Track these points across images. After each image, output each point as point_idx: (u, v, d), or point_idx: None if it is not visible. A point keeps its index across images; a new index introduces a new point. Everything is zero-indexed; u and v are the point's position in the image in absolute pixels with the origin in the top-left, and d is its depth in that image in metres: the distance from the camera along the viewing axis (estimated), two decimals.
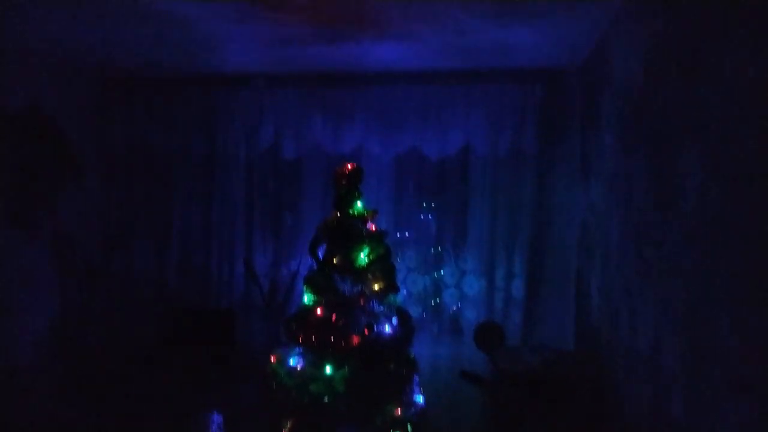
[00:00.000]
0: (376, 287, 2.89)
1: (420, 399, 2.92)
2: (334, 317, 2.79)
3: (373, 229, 3.02)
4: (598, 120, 3.09)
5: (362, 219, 2.99)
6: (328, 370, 2.73)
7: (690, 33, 1.79)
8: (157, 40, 3.27)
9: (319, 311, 2.83)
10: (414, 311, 3.62)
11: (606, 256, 2.81)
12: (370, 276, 2.88)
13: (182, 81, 3.95)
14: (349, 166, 3.05)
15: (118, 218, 4.03)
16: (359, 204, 3.00)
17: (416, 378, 2.97)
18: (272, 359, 2.88)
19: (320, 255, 2.98)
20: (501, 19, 2.88)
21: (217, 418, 2.97)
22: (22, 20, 3.00)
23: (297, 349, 2.84)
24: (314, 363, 2.77)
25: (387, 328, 2.85)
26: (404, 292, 3.50)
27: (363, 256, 2.89)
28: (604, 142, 2.92)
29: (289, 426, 2.75)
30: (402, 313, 2.95)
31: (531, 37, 3.09)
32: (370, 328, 2.80)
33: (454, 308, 3.81)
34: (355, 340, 2.76)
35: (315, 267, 3.00)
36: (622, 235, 2.50)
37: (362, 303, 2.84)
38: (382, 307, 2.88)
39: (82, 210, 3.87)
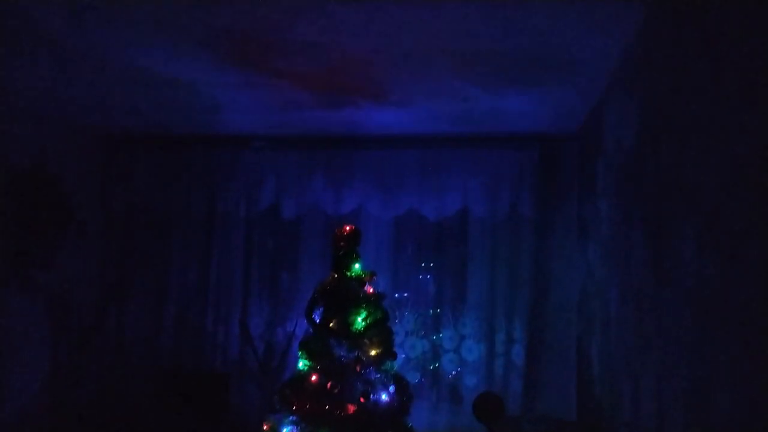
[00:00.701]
0: (373, 353, 2.84)
1: None
2: (329, 384, 2.72)
3: (371, 291, 2.99)
4: (594, 186, 3.13)
5: (360, 281, 2.98)
6: None
7: (680, 105, 1.84)
8: (162, 102, 3.36)
9: (314, 378, 2.77)
10: (412, 377, 3.53)
11: (606, 323, 2.77)
12: (367, 341, 2.84)
13: (184, 141, 4.03)
14: (348, 228, 3.06)
15: (114, 276, 4.00)
16: (357, 266, 2.99)
17: None
18: (265, 427, 2.79)
19: (317, 318, 2.94)
20: (497, 88, 2.97)
21: None
22: (30, 81, 3.08)
23: (291, 418, 2.75)
24: None
25: (384, 397, 2.78)
26: (402, 356, 3.42)
27: (360, 320, 2.86)
28: (601, 208, 2.94)
29: None
30: (399, 381, 2.88)
31: (526, 104, 3.18)
32: (367, 397, 2.72)
33: (453, 374, 3.72)
34: (351, 408, 2.69)
35: (311, 331, 2.96)
36: (622, 303, 2.47)
37: (359, 369, 2.78)
38: (378, 374, 2.81)
39: (79, 267, 3.86)
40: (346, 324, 2.85)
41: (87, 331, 3.87)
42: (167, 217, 4.00)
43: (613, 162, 2.72)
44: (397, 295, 3.80)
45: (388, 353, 2.89)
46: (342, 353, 2.81)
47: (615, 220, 2.66)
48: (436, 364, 3.74)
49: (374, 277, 3.02)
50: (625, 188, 2.46)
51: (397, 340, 3.25)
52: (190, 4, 2.20)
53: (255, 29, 2.40)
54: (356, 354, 2.81)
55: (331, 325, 2.87)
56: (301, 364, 2.86)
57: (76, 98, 3.36)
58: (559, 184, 3.69)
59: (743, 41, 1.39)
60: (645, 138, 2.21)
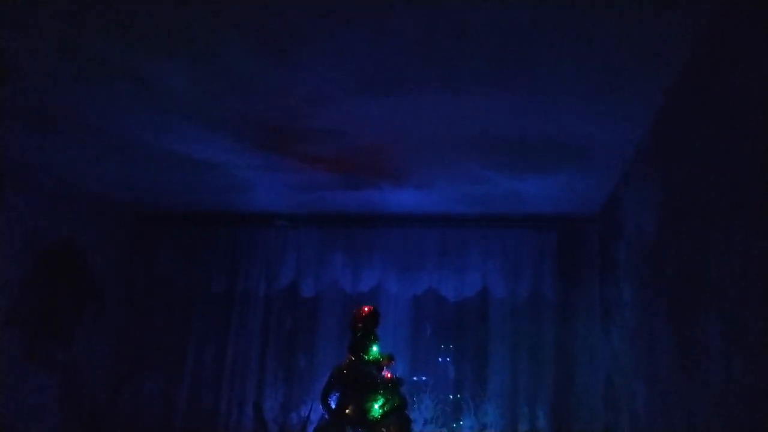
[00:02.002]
0: None
1: None
2: None
3: (389, 376, 2.92)
4: (615, 270, 3.08)
5: (377, 365, 2.91)
6: None
7: (700, 193, 1.84)
8: (190, 183, 3.49)
9: None
10: None
11: (634, 415, 2.64)
12: (384, 429, 2.73)
13: (209, 218, 4.12)
14: (366, 309, 3.03)
15: (131, 353, 3.98)
16: (375, 349, 2.94)
17: None
18: None
19: (332, 403, 2.86)
20: (515, 172, 3.03)
21: None
22: (62, 159, 3.23)
23: None
24: None
25: None
26: None
27: (377, 407, 2.77)
28: (623, 292, 2.89)
29: None
30: None
31: (545, 188, 3.22)
32: None
33: None
34: None
35: (327, 416, 2.87)
36: (649, 394, 2.37)
37: None
38: None
39: (96, 344, 3.85)
40: (363, 411, 2.76)
41: (98, 409, 3.80)
42: (188, 295, 4.03)
43: (634, 246, 2.69)
44: (415, 378, 3.70)
45: None
46: None
47: (638, 305, 2.60)
48: None
49: (393, 362, 2.95)
50: (647, 274, 2.42)
51: (416, 427, 3.13)
52: (224, 94, 2.33)
53: (282, 117, 2.53)
54: None
55: (347, 411, 2.78)
56: None
57: (107, 177, 3.51)
58: (580, 266, 3.64)
59: (764, 130, 1.41)
60: (665, 225, 2.20)
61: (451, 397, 3.68)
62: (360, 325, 2.97)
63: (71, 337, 3.69)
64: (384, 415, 2.76)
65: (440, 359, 3.81)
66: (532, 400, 3.48)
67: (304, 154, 2.89)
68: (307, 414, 3.59)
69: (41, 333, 3.48)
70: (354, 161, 2.97)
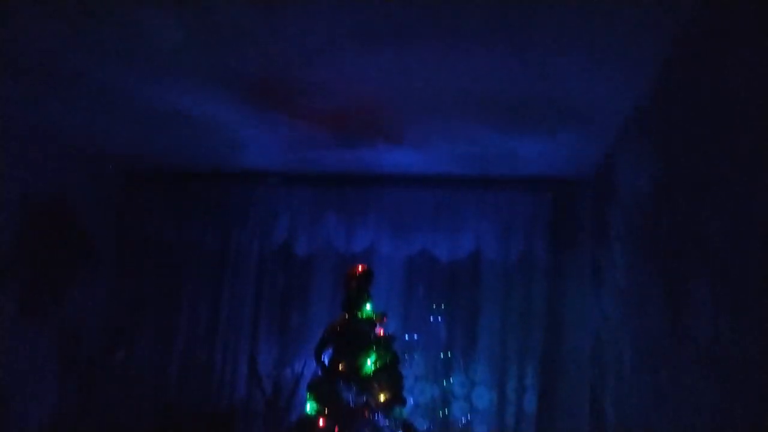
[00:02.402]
0: (382, 398, 2.78)
1: None
2: (336, 429, 2.66)
3: (382, 333, 2.96)
4: (608, 232, 3.10)
5: (370, 323, 2.95)
6: None
7: (696, 154, 1.83)
8: (181, 139, 3.44)
9: (321, 422, 2.71)
10: (420, 423, 3.44)
11: (620, 374, 2.70)
12: (376, 385, 2.79)
13: (201, 177, 4.08)
14: (360, 268, 3.05)
15: (124, 310, 4.01)
16: (368, 307, 2.97)
17: None
18: None
19: (326, 360, 2.90)
20: (511, 132, 3.00)
21: None
22: (49, 115, 3.17)
23: None
24: None
25: None
26: (411, 402, 3.35)
27: (370, 364, 2.81)
28: (615, 255, 2.91)
29: None
30: (408, 428, 2.81)
31: (540, 148, 3.20)
32: None
33: (464, 422, 3.62)
34: None
35: (319, 373, 2.91)
36: (636, 354, 2.41)
37: (367, 415, 2.71)
38: (387, 421, 2.75)
39: (90, 301, 3.87)
40: (356, 367, 2.81)
41: (94, 365, 3.85)
42: (181, 253, 4.03)
43: (628, 209, 2.70)
44: (407, 337, 3.75)
45: (397, 399, 2.83)
46: (350, 397, 2.75)
47: (630, 267, 2.62)
48: (446, 411, 3.65)
49: (385, 319, 2.99)
50: (640, 236, 2.43)
51: (407, 384, 3.19)
52: (215, 46, 2.27)
53: (275, 71, 2.47)
54: (365, 398, 2.76)
55: (340, 367, 2.83)
56: (309, 407, 2.80)
57: (97, 133, 3.45)
58: (573, 228, 3.66)
59: (763, 90, 1.39)
60: (660, 187, 2.19)
61: (441, 355, 3.74)
62: (353, 283, 2.99)
63: (65, 294, 3.70)
64: (376, 371, 2.80)
65: (432, 319, 3.85)
66: (522, 358, 3.55)
67: (297, 110, 2.84)
68: (300, 370, 3.66)
69: (34, 290, 3.48)
70: (348, 118, 2.93)
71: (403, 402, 2.84)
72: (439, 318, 3.84)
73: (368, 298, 2.99)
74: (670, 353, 1.98)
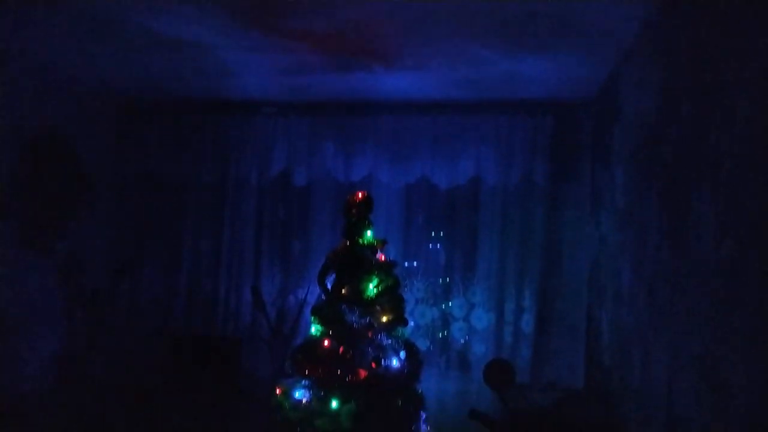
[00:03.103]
0: (385, 319, 2.86)
1: None
2: (341, 350, 2.75)
3: (383, 259, 2.99)
4: (609, 154, 3.08)
5: (372, 248, 2.97)
6: (334, 404, 2.68)
7: (704, 71, 1.78)
8: (174, 67, 3.33)
9: (326, 343, 2.79)
10: (421, 344, 3.56)
11: (617, 294, 2.76)
12: (378, 308, 2.85)
13: (196, 107, 4.00)
14: (360, 195, 3.04)
15: (127, 243, 4.03)
16: (369, 233, 2.99)
17: (423, 414, 2.91)
18: (277, 391, 2.83)
19: (329, 285, 2.95)
20: (512, 52, 2.91)
21: None
22: (41, 46, 3.06)
23: (303, 382, 2.79)
24: (320, 397, 2.72)
25: (395, 362, 2.81)
26: (411, 324, 3.45)
27: (372, 287, 2.86)
28: (616, 177, 2.90)
29: None
30: (410, 347, 2.90)
31: (542, 69, 3.11)
32: (378, 362, 2.75)
33: (462, 342, 3.75)
34: (363, 374, 2.72)
35: (323, 297, 2.97)
36: (635, 273, 2.46)
37: (370, 335, 2.80)
38: (390, 340, 2.83)
39: (92, 234, 3.89)
40: (358, 291, 2.86)
41: (101, 296, 3.92)
42: (180, 184, 4.01)
43: (630, 129, 2.67)
44: (407, 264, 3.81)
45: (399, 320, 2.90)
46: (354, 319, 2.82)
47: (630, 188, 2.62)
48: (446, 332, 3.77)
49: (386, 245, 3.02)
50: (643, 156, 2.42)
51: (407, 308, 3.26)
52: None
53: None
54: (368, 320, 2.83)
55: (343, 291, 2.88)
56: (314, 329, 2.88)
57: (89, 63, 3.34)
58: (574, 152, 3.63)
59: None
60: (665, 104, 2.15)
61: (441, 281, 3.82)
62: (354, 210, 2.99)
63: (66, 227, 3.70)
64: (378, 295, 2.86)
65: (431, 246, 3.90)
66: (520, 281, 3.62)
67: (290, 31, 2.73)
68: (304, 296, 3.74)
69: (36, 224, 3.48)
70: (344, 39, 2.82)
71: (405, 322, 2.91)
72: (439, 245, 3.89)
73: (369, 225, 3.01)
74: (668, 271, 2.01)
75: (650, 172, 2.29)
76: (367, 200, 3.02)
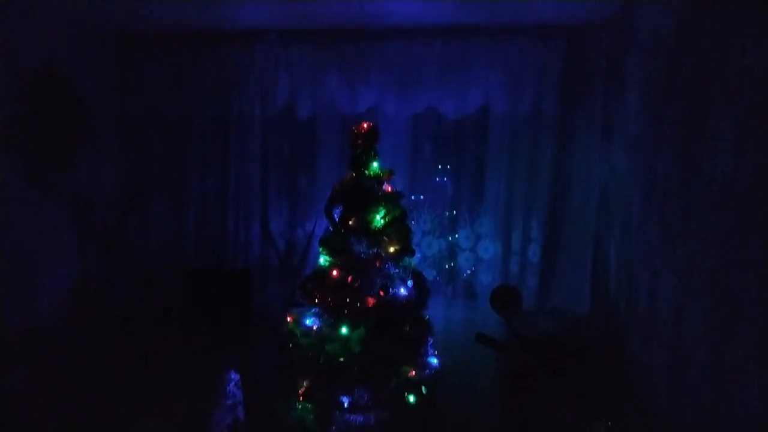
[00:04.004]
0: (392, 249, 2.87)
1: (434, 361, 2.94)
2: (350, 279, 2.78)
3: (389, 190, 2.97)
4: (622, 80, 2.98)
5: (378, 180, 2.95)
6: (344, 330, 2.74)
7: None
8: None
9: (335, 272, 2.82)
10: (428, 274, 3.62)
11: (626, 221, 2.75)
12: (385, 238, 2.86)
13: (196, 39, 3.86)
14: (365, 125, 2.98)
15: (133, 181, 4.02)
16: (375, 164, 2.95)
17: (430, 340, 2.99)
18: (288, 319, 2.90)
19: (336, 216, 2.95)
20: None
21: (234, 377, 3.02)
22: None
23: (313, 310, 2.85)
24: (330, 324, 2.79)
25: (402, 291, 2.85)
26: (418, 255, 3.47)
27: (379, 218, 2.86)
28: (628, 103, 2.82)
29: (305, 385, 2.79)
30: (417, 276, 2.93)
31: None
32: (386, 290, 2.79)
33: (469, 272, 3.79)
34: (371, 302, 2.76)
35: (331, 229, 2.98)
36: (645, 200, 2.44)
37: (378, 265, 2.82)
38: (397, 270, 2.86)
39: (98, 171, 3.87)
40: (366, 222, 2.85)
41: (111, 233, 3.95)
42: (183, 119, 3.94)
43: (646, 52, 2.56)
44: (414, 197, 3.79)
45: (406, 250, 2.92)
46: (361, 250, 2.84)
47: (644, 115, 2.55)
48: (452, 263, 3.81)
49: (392, 175, 2.99)
50: (658, 78, 2.33)
51: (414, 240, 3.28)
52: None
53: None
54: (375, 250, 2.85)
55: (350, 222, 2.88)
56: (322, 260, 2.91)
57: None
58: (585, 78, 3.52)
59: None
60: (684, 25, 2.05)
61: (447, 213, 3.82)
62: (360, 141, 2.95)
63: (72, 164, 3.68)
64: (385, 225, 2.86)
65: (438, 179, 3.87)
66: (527, 211, 3.62)
67: None
68: (311, 229, 3.76)
69: (41, 161, 3.46)
70: None
71: (412, 252, 2.93)
72: (446, 178, 3.86)
73: (375, 156, 2.97)
74: (681, 193, 1.99)
75: (667, 96, 2.22)
76: (373, 131, 2.96)
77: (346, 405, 2.68)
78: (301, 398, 2.77)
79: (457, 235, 3.79)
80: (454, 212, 3.81)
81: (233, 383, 3.01)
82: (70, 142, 3.67)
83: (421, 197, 3.83)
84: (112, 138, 3.97)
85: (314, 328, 2.81)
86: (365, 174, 2.93)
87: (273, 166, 3.92)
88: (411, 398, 2.76)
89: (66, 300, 3.67)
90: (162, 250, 3.98)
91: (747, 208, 1.51)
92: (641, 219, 2.49)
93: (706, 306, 1.74)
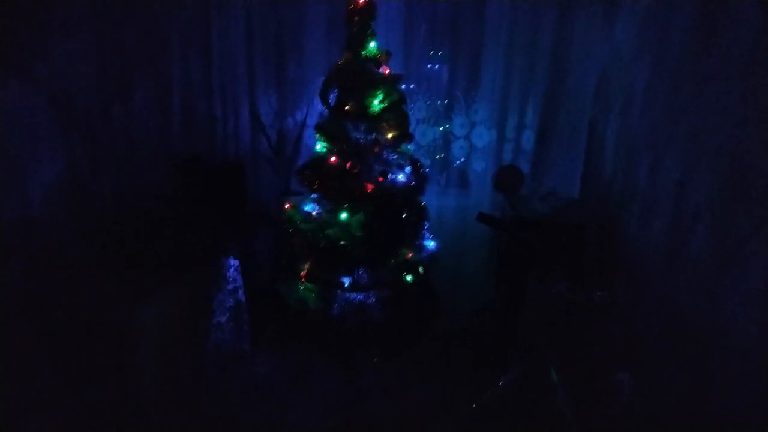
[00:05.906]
0: (390, 135, 2.83)
1: (431, 244, 3.01)
2: (348, 165, 2.76)
3: (387, 73, 2.87)
4: None
5: (375, 61, 2.84)
6: (344, 216, 2.76)
7: None
8: None
9: (333, 159, 2.79)
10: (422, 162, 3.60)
11: (628, 102, 2.72)
12: (384, 124, 2.80)
13: None
14: (361, 0, 2.81)
15: (114, 66, 3.79)
16: (372, 45, 2.82)
17: (426, 224, 3.04)
18: (287, 206, 2.90)
19: (332, 101, 2.86)
20: None
21: (233, 262, 3.06)
22: None
23: (312, 196, 2.85)
24: (329, 210, 2.80)
25: (400, 177, 2.84)
26: (413, 145, 3.42)
27: (377, 102, 2.78)
28: None
29: (306, 268, 2.85)
30: (415, 163, 2.92)
31: None
32: (384, 176, 2.78)
33: (462, 160, 3.78)
34: (370, 187, 2.76)
35: (326, 114, 2.90)
36: (654, 76, 2.39)
37: (376, 151, 2.79)
38: (395, 156, 2.84)
39: (75, 57, 3.63)
40: (363, 106, 2.78)
41: (94, 122, 3.80)
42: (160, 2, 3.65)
43: None
44: (407, 85, 3.67)
45: (404, 136, 2.88)
46: (359, 136, 2.79)
47: None
48: (444, 154, 3.78)
49: (390, 57, 2.87)
50: None
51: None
52: None
53: None
54: (373, 136, 2.80)
55: (347, 108, 2.80)
56: (319, 146, 2.86)
57: None
58: None
59: None
60: None
61: (439, 102, 3.73)
62: (356, 18, 2.79)
63: (46, 49, 3.44)
64: (383, 110, 2.79)
65: (430, 66, 3.74)
66: (524, 96, 3.55)
67: None
68: (303, 118, 3.66)
69: (9, 42, 3.22)
70: None
71: (411, 138, 2.89)
72: (441, 64, 3.73)
73: (372, 36, 2.83)
74: (694, 69, 1.94)
75: None
76: (370, 6, 2.80)
77: (346, 285, 2.76)
78: (303, 279, 2.84)
79: (451, 123, 3.73)
80: (449, 100, 3.72)
81: (233, 268, 3.06)
82: (40, 22, 3.41)
83: (415, 84, 3.71)
84: (86, 20, 3.69)
85: (314, 213, 2.83)
86: (362, 55, 2.80)
87: (259, 49, 3.71)
88: (408, 278, 2.86)
89: (56, 189, 3.59)
90: (149, 141, 3.86)
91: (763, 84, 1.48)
92: (647, 97, 2.45)
93: (713, 172, 1.75)
